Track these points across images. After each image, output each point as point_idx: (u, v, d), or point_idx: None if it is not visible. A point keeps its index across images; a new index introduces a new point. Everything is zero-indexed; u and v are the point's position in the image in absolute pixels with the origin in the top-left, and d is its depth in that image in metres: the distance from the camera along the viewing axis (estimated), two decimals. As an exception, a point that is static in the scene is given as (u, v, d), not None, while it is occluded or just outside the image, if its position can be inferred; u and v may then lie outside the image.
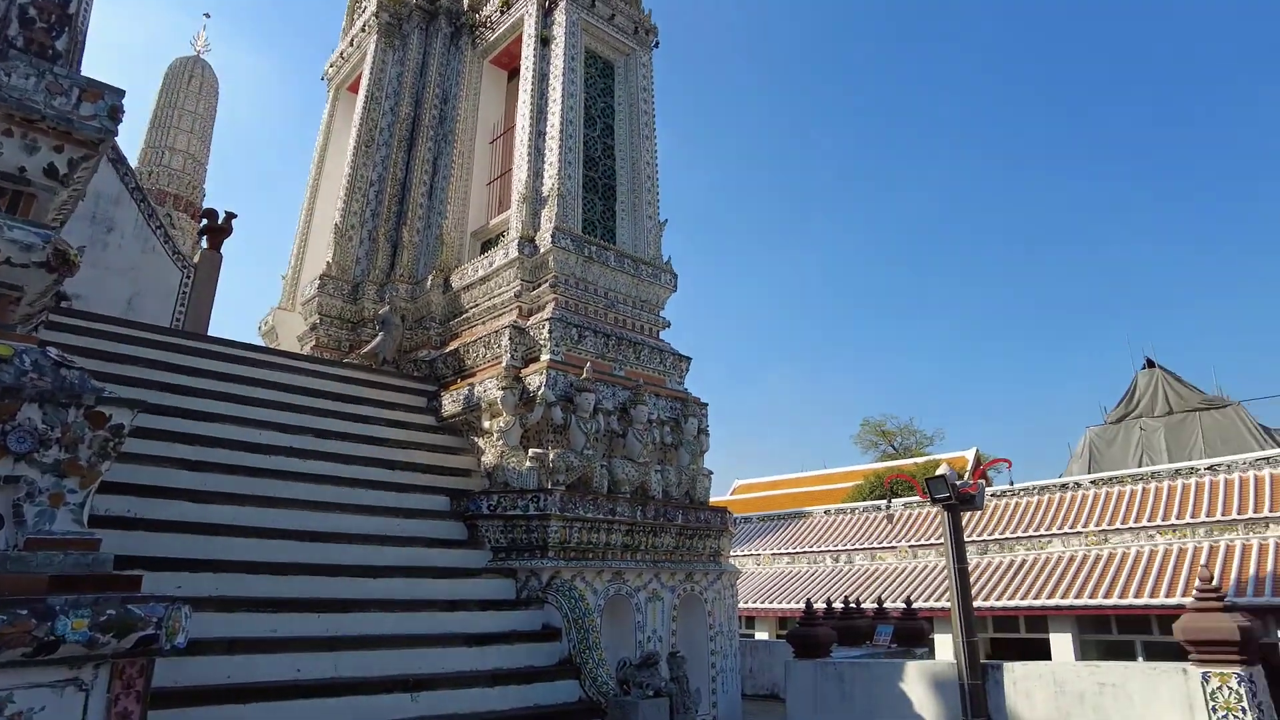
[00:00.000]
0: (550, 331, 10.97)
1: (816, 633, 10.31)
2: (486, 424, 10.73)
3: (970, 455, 40.18)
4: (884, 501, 25.71)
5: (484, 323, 12.46)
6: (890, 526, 25.52)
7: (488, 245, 14.06)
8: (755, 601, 23.95)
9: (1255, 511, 18.16)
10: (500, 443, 10.34)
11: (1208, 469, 20.66)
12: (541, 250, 11.89)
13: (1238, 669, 7.28)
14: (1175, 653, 8.37)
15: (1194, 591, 7.83)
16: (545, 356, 10.90)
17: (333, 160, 17.07)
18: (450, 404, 11.59)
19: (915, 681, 9.33)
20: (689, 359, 12.78)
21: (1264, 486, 19.06)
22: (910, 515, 25.27)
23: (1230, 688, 7.31)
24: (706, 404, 12.47)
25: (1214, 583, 7.74)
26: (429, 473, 10.67)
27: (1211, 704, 7.41)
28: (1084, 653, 18.37)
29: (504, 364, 10.91)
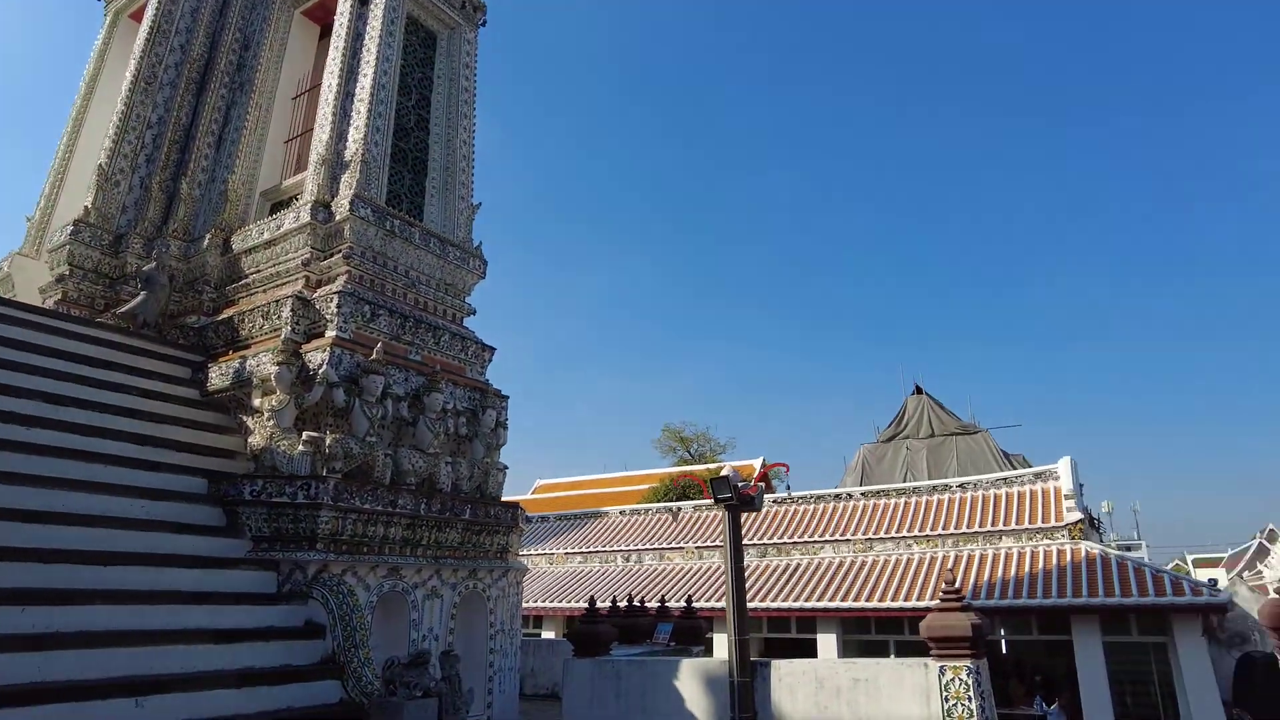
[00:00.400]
0: (339, 305, 10.20)
1: (596, 631, 10.29)
2: (257, 402, 9.78)
3: (757, 464, 42.45)
4: (676, 504, 26.49)
5: (265, 291, 11.39)
6: (674, 524, 26.30)
7: (279, 208, 12.91)
8: (545, 600, 23.80)
9: (993, 525, 20.43)
10: (271, 423, 9.44)
11: (959, 486, 23.03)
12: (337, 218, 11.06)
13: (968, 662, 8.02)
14: (921, 650, 9.10)
15: (940, 594, 8.55)
16: (331, 332, 10.11)
17: (104, 94, 15.04)
18: (218, 377, 10.48)
19: (688, 679, 9.53)
20: (493, 349, 12.39)
21: (1001, 503, 21.50)
22: (700, 517, 26.18)
23: (961, 679, 8.03)
24: (507, 396, 12.15)
25: (956, 585, 8.49)
26: (186, 451, 9.56)
27: (945, 693, 8.11)
28: (846, 651, 19.76)
29: (283, 337, 10.00)
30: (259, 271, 11.67)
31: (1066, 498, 20.20)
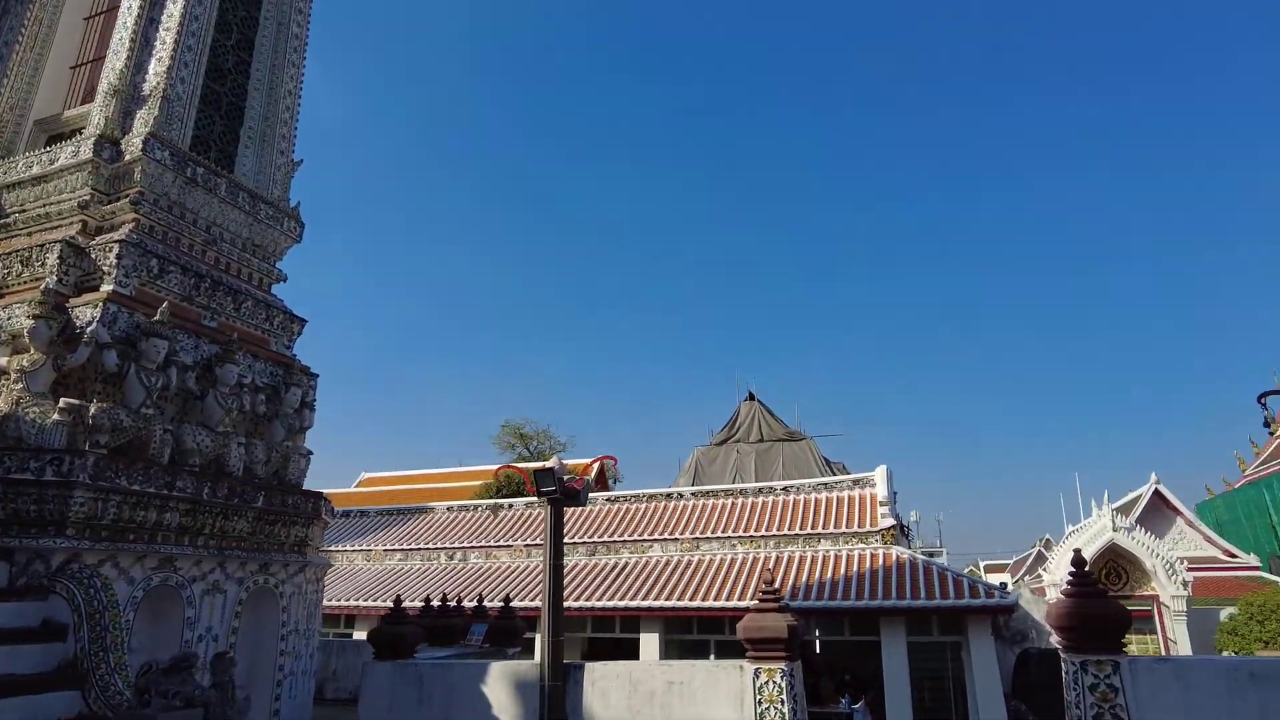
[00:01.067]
0: (120, 256, 8.83)
1: (401, 632, 9.48)
2: (3, 361, 8.28)
3: (596, 463, 42.29)
4: (505, 500, 25.72)
5: (30, 234, 9.74)
6: (503, 521, 25.56)
7: (58, 141, 11.17)
8: (359, 599, 22.34)
9: (813, 528, 21.11)
10: (20, 386, 8.00)
11: (783, 489, 23.70)
12: (127, 158, 9.63)
13: (783, 664, 7.94)
14: (741, 649, 8.97)
15: (759, 595, 8.45)
16: (108, 286, 8.74)
17: None
18: (-43, 330, 8.81)
19: (498, 682, 8.94)
20: (303, 320, 11.26)
21: (821, 507, 22.30)
22: (530, 515, 25.55)
23: (775, 682, 7.93)
24: (316, 375, 11.06)
25: (775, 586, 8.41)
26: (-99, 416, 7.93)
27: (758, 696, 7.99)
28: (667, 651, 19.74)
29: (45, 287, 8.54)
30: (24, 211, 9.98)
31: (881, 504, 21.19)
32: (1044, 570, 27.55)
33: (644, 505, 24.61)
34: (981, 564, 63.12)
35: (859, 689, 18.40)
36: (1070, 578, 7.18)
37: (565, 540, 23.11)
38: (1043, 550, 42.42)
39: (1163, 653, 22.15)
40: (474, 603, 14.05)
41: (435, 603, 11.92)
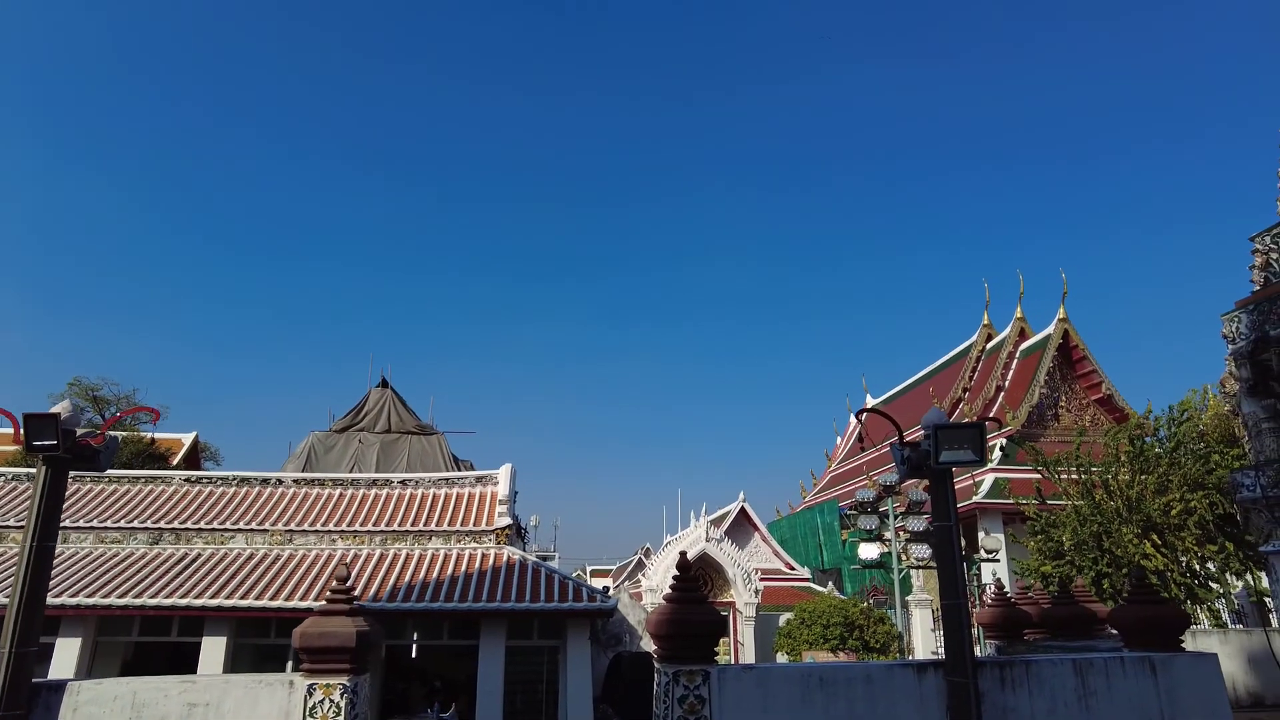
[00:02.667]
0: None
1: None
2: None
3: (189, 438, 36.56)
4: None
5: None
6: (25, 494, 20.37)
7: None
8: None
9: (426, 524, 19.76)
10: None
11: (401, 483, 22.00)
12: None
13: (345, 679, 6.52)
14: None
15: (325, 595, 6.94)
16: None
17: None
18: None
19: (-78, 712, 6.28)
20: None
21: (439, 503, 21.05)
22: (90, 490, 20.69)
23: (333, 700, 6.49)
24: None
25: (348, 584, 6.97)
26: None
27: (309, 718, 6.47)
28: (237, 657, 16.99)
29: None
30: None
31: (501, 503, 20.55)
32: (643, 576, 29.17)
33: (234, 490, 21.24)
34: (589, 568, 66.59)
35: (450, 695, 17.41)
36: (674, 582, 6.82)
37: (127, 525, 19.06)
38: (643, 558, 45.63)
39: (732, 654, 24.44)
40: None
41: None
